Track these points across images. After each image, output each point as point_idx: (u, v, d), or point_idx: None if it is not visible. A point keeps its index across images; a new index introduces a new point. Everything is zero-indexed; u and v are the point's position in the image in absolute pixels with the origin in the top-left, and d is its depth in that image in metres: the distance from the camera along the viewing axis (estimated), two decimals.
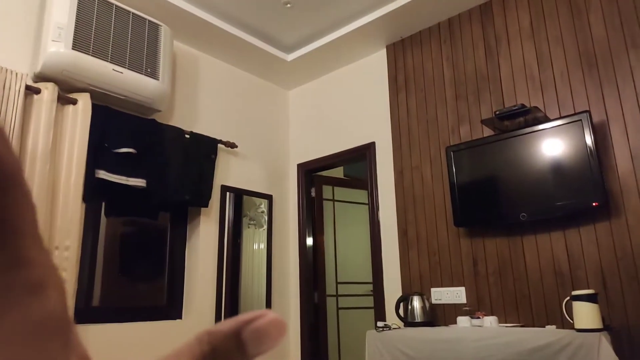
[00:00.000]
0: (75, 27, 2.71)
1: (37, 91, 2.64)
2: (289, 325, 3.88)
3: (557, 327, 2.46)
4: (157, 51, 3.11)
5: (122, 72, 2.89)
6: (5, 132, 0.20)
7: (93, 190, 2.75)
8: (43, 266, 0.19)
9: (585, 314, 2.20)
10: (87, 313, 2.78)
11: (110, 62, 2.85)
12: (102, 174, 2.80)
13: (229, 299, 3.49)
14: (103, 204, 3.02)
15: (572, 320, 2.28)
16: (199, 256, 3.37)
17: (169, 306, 3.26)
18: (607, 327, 2.26)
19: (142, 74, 2.99)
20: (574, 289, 2.53)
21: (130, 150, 2.94)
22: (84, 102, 2.77)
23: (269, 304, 3.74)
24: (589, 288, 2.50)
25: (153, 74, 3.05)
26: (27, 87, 2.60)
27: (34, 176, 2.52)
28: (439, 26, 3.48)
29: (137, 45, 3.01)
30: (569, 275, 2.61)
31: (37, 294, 0.18)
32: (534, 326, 2.63)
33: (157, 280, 3.30)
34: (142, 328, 2.94)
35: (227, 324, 0.20)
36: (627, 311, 2.40)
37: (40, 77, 2.70)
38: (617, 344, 2.16)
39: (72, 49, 2.69)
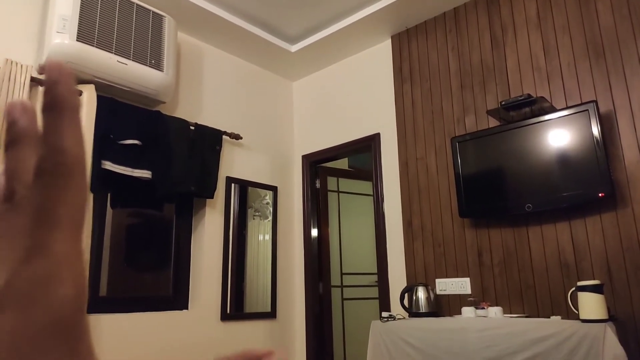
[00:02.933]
0: (79, 19, 2.71)
1: (42, 83, 2.65)
2: (295, 315, 3.90)
3: (562, 318, 2.46)
4: (162, 42, 3.11)
5: (126, 64, 2.89)
6: (81, 125, 0.20)
7: (99, 181, 2.77)
8: (65, 261, 0.18)
9: (591, 305, 2.20)
10: (94, 303, 2.80)
11: (114, 53, 2.85)
12: (108, 165, 2.81)
13: (235, 290, 3.51)
14: (109, 195, 3.04)
15: (577, 311, 2.27)
16: (205, 247, 3.39)
17: (175, 297, 3.28)
18: (612, 317, 2.26)
19: (146, 65, 2.99)
20: (579, 280, 2.53)
21: (136, 141, 2.95)
22: (89, 94, 2.78)
23: (274, 295, 3.76)
24: (594, 279, 2.50)
25: (157, 66, 3.05)
26: (32, 79, 2.61)
27: None
28: (444, 16, 3.45)
29: (141, 36, 3.00)
30: (574, 266, 2.60)
31: (49, 288, 0.18)
32: (538, 317, 2.63)
33: (163, 271, 3.32)
34: (148, 318, 2.96)
35: (242, 355, 0.20)
36: (633, 302, 2.39)
37: None
38: (622, 334, 2.16)
39: (77, 40, 2.69)
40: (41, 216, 0.18)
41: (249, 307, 3.59)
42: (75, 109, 0.20)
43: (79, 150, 0.19)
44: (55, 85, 0.19)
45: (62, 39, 2.65)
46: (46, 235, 0.18)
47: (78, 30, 2.70)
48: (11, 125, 0.21)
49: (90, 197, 2.72)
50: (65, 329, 0.18)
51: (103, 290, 2.94)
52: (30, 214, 0.18)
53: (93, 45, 2.76)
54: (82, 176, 0.19)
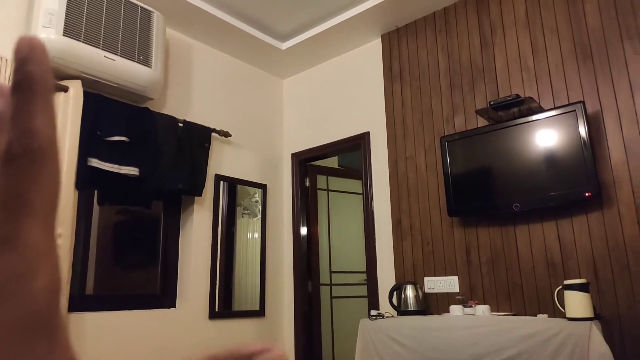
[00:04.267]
0: (66, 13, 2.67)
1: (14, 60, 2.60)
2: (283, 313, 3.89)
3: (548, 316, 2.48)
4: (150, 38, 3.08)
5: (114, 60, 2.86)
6: (54, 107, 0.19)
7: (85, 178, 2.73)
8: (38, 252, 0.17)
9: (577, 303, 2.22)
10: (81, 301, 2.77)
11: (102, 49, 2.82)
12: (95, 162, 2.78)
13: (223, 288, 3.49)
14: (96, 192, 3.00)
15: (564, 309, 2.30)
16: (193, 245, 3.36)
17: (162, 295, 3.26)
18: (598, 316, 2.28)
19: (134, 61, 2.96)
20: (565, 279, 2.55)
21: (123, 138, 2.92)
22: (76, 90, 2.74)
23: (262, 293, 3.75)
24: (580, 278, 2.52)
25: (145, 62, 3.02)
26: None
27: None
28: (434, 15, 3.46)
29: (129, 32, 2.97)
30: (560, 264, 2.63)
31: (22, 283, 0.17)
32: (525, 315, 2.65)
33: (151, 269, 3.29)
34: (136, 316, 2.94)
35: (233, 351, 0.19)
36: (618, 300, 2.42)
37: None
38: (607, 332, 2.19)
39: (63, 35, 2.65)
40: (11, 204, 0.17)
41: (237, 305, 3.58)
42: (48, 88, 0.18)
43: (51, 133, 0.18)
44: (26, 63, 0.18)
45: (48, 34, 2.61)
46: (18, 225, 0.17)
47: (65, 25, 2.66)
48: None
49: (76, 194, 2.69)
50: (41, 323, 0.17)
51: (90, 289, 2.91)
52: (1, 203, 0.17)
53: (80, 41, 2.72)
54: (54, 160, 0.18)
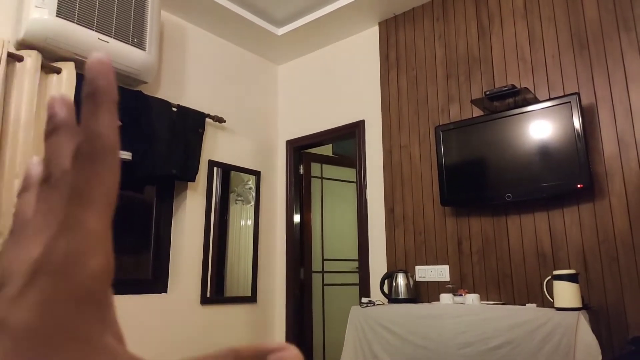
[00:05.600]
0: None
1: (20, 59, 2.57)
2: (275, 300, 3.91)
3: (537, 306, 2.50)
4: (144, 21, 3.04)
5: (107, 42, 2.83)
6: (117, 115, 0.22)
7: None
8: (95, 237, 0.20)
9: (566, 294, 2.24)
10: None
11: (95, 30, 2.78)
12: None
13: (215, 274, 3.50)
14: None
15: (553, 299, 2.32)
16: (185, 231, 3.36)
17: (154, 280, 3.26)
18: (586, 306, 2.30)
19: (128, 44, 2.93)
20: (555, 269, 2.57)
21: None
22: (69, 72, 2.71)
23: (254, 280, 3.76)
24: (570, 268, 2.54)
25: (140, 45, 2.99)
26: (10, 54, 2.54)
27: (18, 145, 2.48)
28: (432, 3, 3.43)
29: (123, 14, 2.93)
30: (551, 255, 2.65)
31: (81, 261, 0.19)
32: (515, 304, 2.67)
33: (143, 254, 3.29)
34: (127, 301, 2.94)
35: (254, 347, 0.21)
36: (606, 291, 2.45)
37: (23, 45, 2.62)
38: (595, 322, 2.21)
39: (56, 16, 2.61)
40: (77, 195, 0.20)
41: (229, 291, 3.59)
42: (113, 100, 0.22)
43: (114, 136, 0.21)
44: (97, 77, 0.21)
45: (40, 14, 2.57)
46: (81, 213, 0.20)
47: (58, 6, 2.62)
48: (51, 117, 0.24)
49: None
50: (95, 298, 0.19)
51: None
52: (67, 194, 0.20)
53: (73, 22, 2.69)
54: (115, 160, 0.21)
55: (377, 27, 3.74)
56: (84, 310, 0.19)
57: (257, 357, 0.20)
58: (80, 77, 2.77)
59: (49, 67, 2.67)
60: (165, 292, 3.26)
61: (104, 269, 0.20)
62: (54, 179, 0.22)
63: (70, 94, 2.69)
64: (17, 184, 2.42)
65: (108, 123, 0.21)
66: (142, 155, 3.01)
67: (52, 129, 0.23)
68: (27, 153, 2.47)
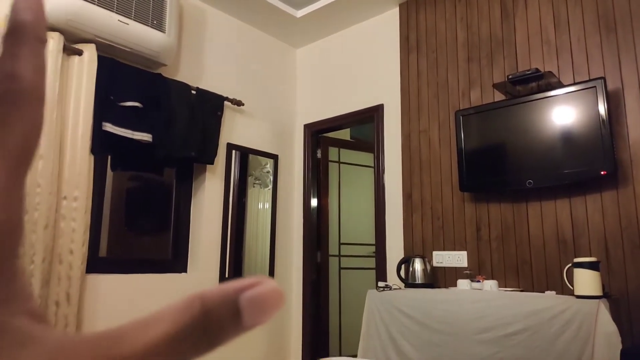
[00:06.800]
0: None
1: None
2: (292, 283, 3.94)
3: (557, 293, 2.48)
4: (164, 3, 3.04)
5: (128, 24, 2.84)
6: (44, 57, 0.19)
7: (100, 143, 2.75)
8: None
9: (586, 281, 2.21)
10: (94, 263, 2.83)
11: (115, 12, 2.79)
12: (109, 127, 2.79)
13: (233, 256, 3.54)
14: (109, 157, 3.03)
15: (572, 287, 2.29)
16: (204, 213, 3.40)
17: (174, 260, 3.31)
18: (606, 294, 2.28)
19: (148, 25, 2.93)
20: (576, 257, 2.54)
21: (136, 104, 2.92)
22: (90, 53, 2.73)
23: (272, 262, 3.79)
24: (591, 256, 2.51)
25: (159, 27, 2.99)
26: None
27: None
28: None
29: None
30: (571, 242, 2.61)
31: None
32: (533, 291, 2.65)
33: (163, 235, 3.34)
34: (147, 280, 3.00)
35: (223, 288, 0.18)
36: (628, 280, 2.41)
37: None
38: (615, 311, 2.19)
39: None
40: None
41: (247, 273, 3.63)
42: (40, 39, 0.19)
43: (37, 80, 0.18)
44: (20, 11, 0.18)
45: None
46: None
47: None
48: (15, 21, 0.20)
49: (91, 159, 2.71)
50: None
51: (103, 251, 2.96)
52: None
53: (94, 4, 2.70)
54: (37, 107, 0.18)
55: (397, 9, 3.68)
56: None
57: (228, 299, 0.17)
58: (101, 59, 2.79)
59: (70, 49, 2.70)
60: (185, 271, 3.31)
61: (2, 228, 0.17)
62: None
63: (92, 76, 2.72)
64: (41, 165, 2.47)
65: (31, 65, 0.18)
66: (162, 137, 3.04)
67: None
68: (51, 133, 2.51)
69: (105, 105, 2.79)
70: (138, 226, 3.26)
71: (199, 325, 0.17)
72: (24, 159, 0.18)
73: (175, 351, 0.17)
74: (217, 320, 0.17)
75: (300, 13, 3.85)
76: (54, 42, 2.60)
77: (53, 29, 2.64)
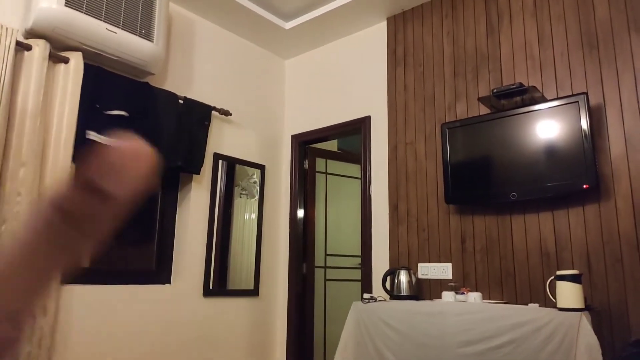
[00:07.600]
0: None
1: (28, 47, 2.58)
2: (277, 294, 3.92)
3: (539, 306, 2.49)
4: (152, 12, 3.04)
5: (115, 32, 2.83)
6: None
7: (83, 152, 2.72)
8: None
9: (568, 294, 2.23)
10: (76, 273, 2.78)
11: (103, 21, 2.78)
12: (93, 136, 2.77)
13: (218, 266, 3.51)
14: None
15: (555, 299, 2.31)
16: (189, 223, 3.37)
17: (158, 271, 3.27)
18: (588, 307, 2.30)
19: (136, 34, 2.93)
20: (558, 269, 2.56)
21: (122, 112, 2.90)
22: (76, 61, 2.72)
23: (257, 273, 3.77)
24: (573, 269, 2.53)
25: (147, 36, 2.99)
26: (18, 43, 2.54)
27: (24, 133, 2.49)
28: (441, 0, 3.41)
29: (131, 4, 2.93)
30: (554, 255, 2.64)
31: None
32: (517, 304, 2.67)
33: (147, 245, 3.30)
34: (131, 291, 2.96)
35: (72, 180, 0.19)
36: (609, 293, 2.44)
37: (32, 34, 2.63)
38: (597, 324, 2.20)
39: (65, 5, 2.62)
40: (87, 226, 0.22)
41: (232, 284, 3.60)
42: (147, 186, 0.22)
43: (130, 205, 0.22)
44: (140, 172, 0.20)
45: (49, 4, 2.58)
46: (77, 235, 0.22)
47: None
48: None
49: (73, 167, 2.68)
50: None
51: (86, 262, 2.92)
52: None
53: (82, 12, 2.69)
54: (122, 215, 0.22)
55: (385, 23, 3.73)
56: None
57: (79, 187, 0.18)
58: (87, 67, 2.77)
59: (56, 56, 2.68)
60: (169, 282, 3.27)
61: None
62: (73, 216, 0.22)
63: (78, 84, 2.70)
64: (22, 172, 2.44)
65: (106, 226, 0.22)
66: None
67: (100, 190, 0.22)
68: (33, 142, 2.48)
69: (91, 113, 2.77)
70: (122, 236, 3.22)
71: (65, 224, 0.19)
72: (53, 276, 0.21)
73: (44, 255, 0.18)
74: (82, 209, 0.18)
75: (289, 25, 3.87)
76: (39, 49, 2.58)
77: (40, 36, 2.62)
